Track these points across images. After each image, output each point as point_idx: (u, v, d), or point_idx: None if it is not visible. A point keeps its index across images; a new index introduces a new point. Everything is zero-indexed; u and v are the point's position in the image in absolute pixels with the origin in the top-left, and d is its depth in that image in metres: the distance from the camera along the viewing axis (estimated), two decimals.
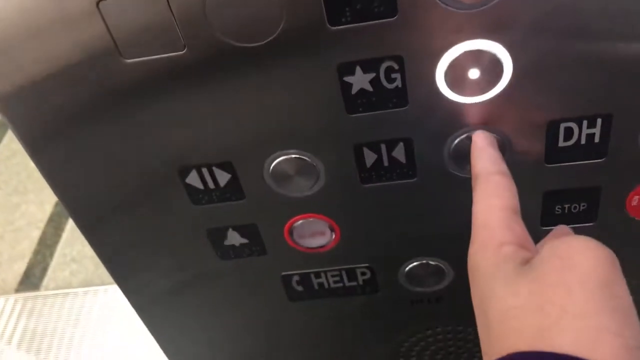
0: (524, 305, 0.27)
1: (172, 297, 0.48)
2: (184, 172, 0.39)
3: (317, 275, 0.45)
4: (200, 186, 0.39)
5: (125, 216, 0.42)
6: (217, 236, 0.43)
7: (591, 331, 0.25)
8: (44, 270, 1.44)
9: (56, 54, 0.33)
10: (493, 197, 0.33)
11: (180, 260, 0.45)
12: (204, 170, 0.39)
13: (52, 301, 1.34)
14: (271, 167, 0.38)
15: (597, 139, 0.36)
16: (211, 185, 0.39)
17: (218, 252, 0.44)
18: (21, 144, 0.38)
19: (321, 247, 0.43)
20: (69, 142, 0.37)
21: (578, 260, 0.27)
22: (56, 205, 1.58)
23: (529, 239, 0.32)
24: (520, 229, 0.32)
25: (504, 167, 0.35)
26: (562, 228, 0.39)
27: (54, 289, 1.38)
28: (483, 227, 0.32)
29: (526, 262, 0.29)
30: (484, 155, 0.35)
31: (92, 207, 0.41)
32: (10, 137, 1.80)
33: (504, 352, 0.26)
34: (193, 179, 0.39)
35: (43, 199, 1.60)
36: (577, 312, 0.26)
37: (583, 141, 0.36)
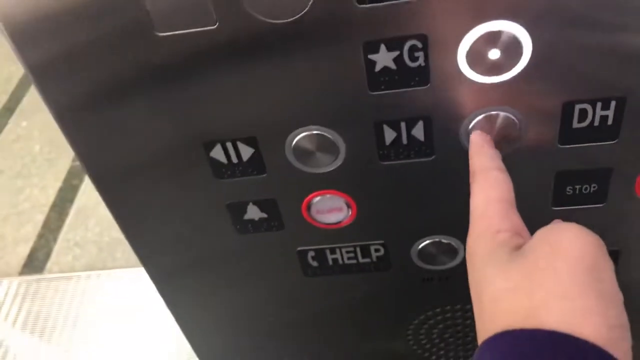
0: (515, 288, 0.29)
1: (189, 271, 0.49)
2: (209, 146, 0.40)
3: (332, 251, 0.47)
4: (224, 160, 0.41)
5: (149, 188, 0.43)
6: (237, 210, 0.44)
7: (576, 311, 0.27)
8: (48, 254, 1.45)
9: (90, 24, 0.34)
10: (491, 190, 0.35)
11: (200, 233, 0.46)
12: (229, 145, 0.40)
13: (55, 284, 1.35)
14: (293, 143, 0.40)
15: (610, 121, 0.37)
16: (234, 159, 0.41)
17: (237, 226, 0.45)
18: (50, 112, 0.39)
19: (337, 223, 0.45)
20: (97, 111, 0.39)
21: (566, 245, 0.29)
22: (60, 190, 1.59)
23: (524, 228, 0.34)
24: (516, 218, 0.34)
25: (501, 163, 0.37)
26: (557, 221, 0.41)
27: (57, 272, 1.39)
28: (481, 216, 0.34)
29: (520, 248, 0.31)
30: (482, 153, 0.37)
31: (117, 178, 0.42)
32: (14, 121, 1.81)
33: (496, 331, 0.28)
34: (217, 152, 0.40)
35: (47, 184, 1.61)
36: (563, 294, 0.28)
37: (596, 123, 0.37)
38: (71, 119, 0.39)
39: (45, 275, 1.38)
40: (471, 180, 0.36)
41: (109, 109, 0.38)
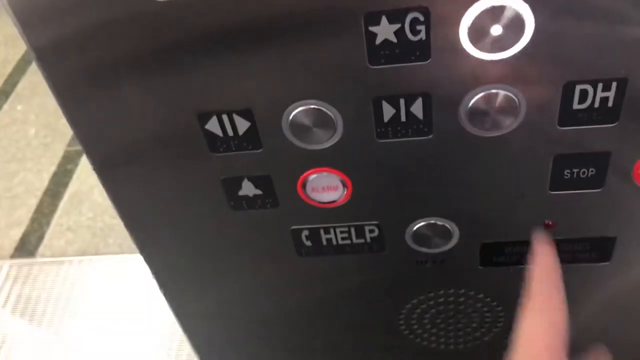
0: None
1: (185, 253, 0.49)
2: (204, 118, 0.39)
3: (327, 230, 0.46)
4: (220, 133, 0.40)
5: (147, 166, 0.42)
6: (231, 186, 0.44)
7: None
8: (40, 238, 1.44)
9: None
10: (545, 335, 0.34)
11: (195, 211, 0.46)
12: (224, 117, 0.39)
13: (47, 268, 1.35)
14: (290, 117, 0.39)
15: (610, 103, 0.37)
16: (230, 132, 0.40)
17: (231, 202, 0.45)
18: (51, 91, 0.38)
19: (332, 202, 0.44)
20: (97, 88, 0.38)
21: None
22: (54, 174, 1.58)
23: None
24: None
25: (562, 299, 0.36)
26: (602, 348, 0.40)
27: (49, 256, 1.39)
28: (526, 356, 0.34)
29: None
30: (549, 282, 0.37)
31: (115, 156, 0.42)
32: (10, 104, 1.80)
33: None
34: (213, 125, 0.40)
35: (41, 168, 1.60)
36: None
37: (597, 104, 0.37)
38: (72, 97, 0.39)
39: (37, 259, 1.38)
40: (527, 303, 0.35)
41: (109, 85, 0.38)
